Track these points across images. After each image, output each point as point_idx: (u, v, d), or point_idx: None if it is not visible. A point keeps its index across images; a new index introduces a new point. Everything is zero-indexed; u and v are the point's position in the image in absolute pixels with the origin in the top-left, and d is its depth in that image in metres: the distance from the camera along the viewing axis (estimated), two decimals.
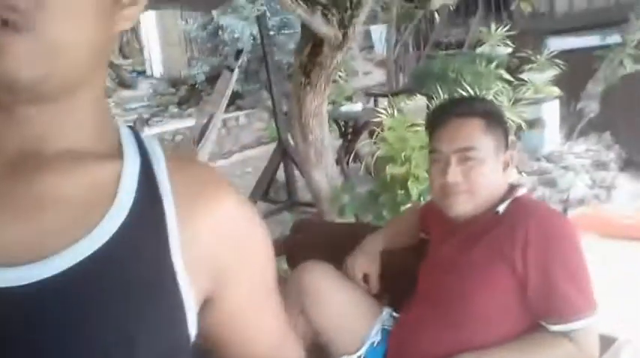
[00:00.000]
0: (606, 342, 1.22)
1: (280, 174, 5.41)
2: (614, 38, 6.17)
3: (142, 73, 10.74)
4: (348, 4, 2.73)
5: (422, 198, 3.65)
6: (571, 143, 6.30)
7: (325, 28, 2.67)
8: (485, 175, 1.33)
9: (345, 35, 2.76)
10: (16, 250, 0.51)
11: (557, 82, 6.15)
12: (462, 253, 1.33)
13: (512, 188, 1.39)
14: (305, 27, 2.89)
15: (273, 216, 5.22)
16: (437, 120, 1.41)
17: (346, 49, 2.95)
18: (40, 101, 0.53)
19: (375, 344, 1.46)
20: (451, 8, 8.10)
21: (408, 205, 3.57)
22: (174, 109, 8.85)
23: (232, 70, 4.24)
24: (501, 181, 1.37)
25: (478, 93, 5.33)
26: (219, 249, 0.61)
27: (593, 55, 6.08)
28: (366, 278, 1.58)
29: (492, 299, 1.26)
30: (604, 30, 6.54)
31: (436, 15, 8.88)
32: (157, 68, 10.32)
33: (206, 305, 0.63)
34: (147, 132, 7.99)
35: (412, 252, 1.60)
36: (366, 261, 1.60)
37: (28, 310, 0.50)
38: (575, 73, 6.20)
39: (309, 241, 2.18)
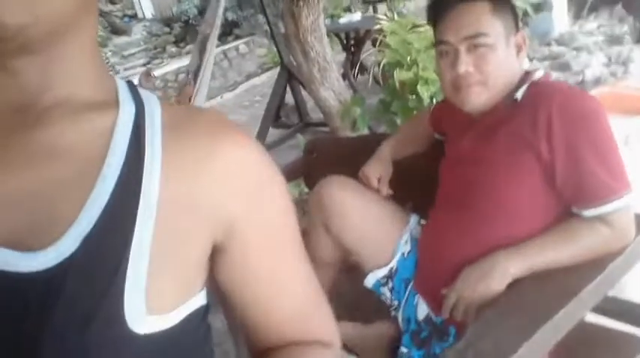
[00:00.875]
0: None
1: (289, 98, 5.33)
2: None
3: (134, 16, 10.48)
4: None
5: (434, 101, 3.58)
6: (581, 22, 6.06)
7: None
8: (498, 62, 1.24)
9: None
10: (26, 235, 0.51)
11: None
12: (483, 145, 1.26)
13: (529, 72, 1.30)
14: None
15: (287, 141, 5.19)
16: (439, 9, 1.31)
17: None
18: (29, 50, 0.52)
19: (405, 255, 1.43)
20: None
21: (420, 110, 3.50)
22: (172, 49, 8.68)
23: None
24: (516, 66, 1.29)
25: None
26: (223, 198, 0.58)
27: None
28: (380, 182, 1.54)
29: (520, 189, 1.20)
30: None
31: None
32: (147, 9, 10.05)
33: (219, 258, 0.61)
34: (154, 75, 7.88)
35: (431, 155, 1.55)
36: (378, 165, 1.56)
37: (50, 293, 0.49)
38: None
39: (323, 159, 2.14)
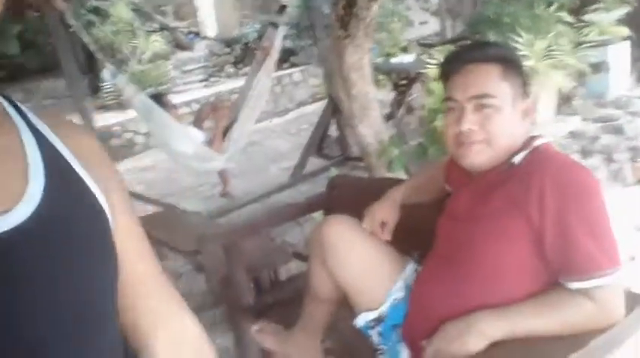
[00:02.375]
0: (636, 300, 1.15)
1: (335, 130, 5.41)
2: None
3: (198, 34, 10.86)
4: None
5: None
6: None
7: None
8: (502, 124, 1.25)
9: None
10: None
11: (627, 21, 5.75)
12: (477, 204, 1.27)
13: (532, 138, 1.30)
14: None
15: (326, 172, 5.25)
16: (451, 67, 1.33)
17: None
18: None
19: (396, 301, 1.43)
20: None
21: None
22: (230, 69, 8.94)
23: (276, 27, 4.19)
24: (520, 130, 1.29)
25: (535, 38, 5.08)
26: (98, 168, 0.70)
27: None
28: (383, 226, 1.55)
29: (508, 253, 1.20)
30: None
31: None
32: (211, 29, 10.40)
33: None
34: (205, 93, 8.13)
35: (440, 205, 1.56)
36: (385, 208, 1.57)
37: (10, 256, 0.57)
38: None
39: (344, 196, 2.18)
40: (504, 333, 1.13)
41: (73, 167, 0.66)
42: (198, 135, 4.30)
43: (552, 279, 1.18)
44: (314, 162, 5.35)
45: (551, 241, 1.15)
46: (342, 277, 1.47)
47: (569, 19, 5.60)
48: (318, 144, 5.27)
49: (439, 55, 5.16)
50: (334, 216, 1.56)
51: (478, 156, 1.28)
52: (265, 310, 2.06)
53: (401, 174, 3.68)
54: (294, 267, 2.81)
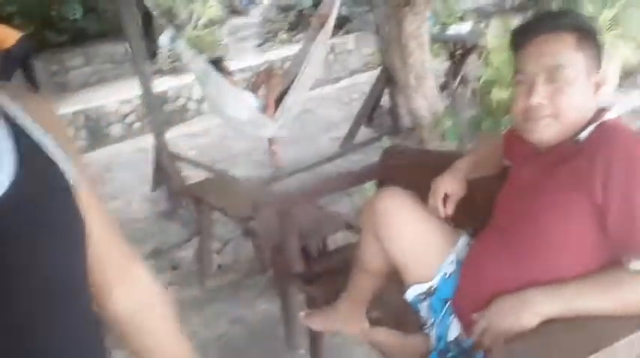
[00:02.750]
0: None
1: (387, 100, 5.35)
2: None
3: (253, 1, 10.85)
4: None
5: None
6: None
7: None
8: (573, 98, 1.20)
9: None
10: None
11: None
12: (541, 179, 1.23)
13: (600, 111, 1.25)
14: None
15: (376, 142, 5.21)
16: (522, 37, 1.27)
17: None
18: None
19: (447, 275, 1.42)
20: None
21: None
22: (283, 35, 8.90)
23: None
24: (590, 105, 1.24)
25: (602, 8, 4.85)
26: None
27: None
28: (446, 198, 1.53)
29: (568, 228, 1.17)
30: None
31: None
32: None
33: None
34: (259, 60, 8.14)
35: (497, 180, 1.53)
36: (450, 180, 1.54)
37: None
38: None
39: (398, 168, 2.16)
40: (559, 311, 1.11)
41: (44, 149, 0.70)
42: (252, 101, 4.32)
43: (612, 258, 1.15)
44: (365, 132, 5.31)
45: (615, 218, 1.11)
46: (394, 250, 1.46)
47: None
48: (369, 114, 5.22)
49: (498, 25, 5.00)
50: (388, 188, 1.55)
51: (546, 131, 1.24)
52: (314, 278, 2.09)
53: (454, 146, 3.62)
54: (341, 237, 2.83)
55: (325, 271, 2.12)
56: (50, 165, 0.70)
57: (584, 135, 1.21)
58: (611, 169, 1.11)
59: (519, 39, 1.29)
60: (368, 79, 7.78)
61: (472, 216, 1.53)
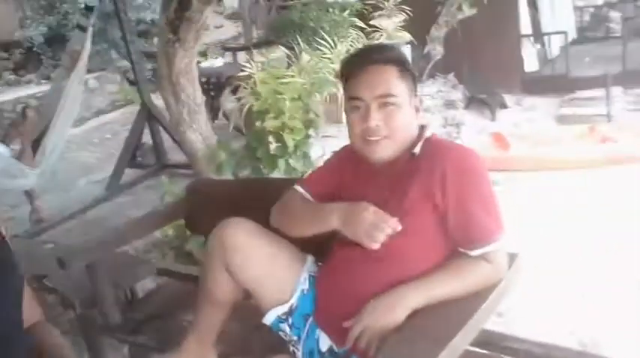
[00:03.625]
0: (512, 258, 1.40)
1: (146, 138, 5.21)
2: None
3: None
4: None
5: (297, 149, 3.75)
6: (421, 85, 6.73)
7: None
8: (402, 120, 1.41)
9: None
10: None
11: (406, 27, 6.47)
12: (385, 193, 1.41)
13: (422, 129, 1.49)
14: None
15: (144, 182, 5.05)
16: (353, 67, 1.46)
17: (214, 2, 2.89)
18: None
19: (305, 292, 1.51)
20: None
21: (284, 157, 3.65)
22: (9, 76, 8.04)
23: (84, 29, 3.94)
24: (415, 124, 1.48)
25: (336, 42, 5.46)
26: None
27: (435, 0, 6.47)
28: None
29: (416, 233, 1.36)
30: None
31: None
32: None
33: None
34: None
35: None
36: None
37: None
38: (420, 17, 6.57)
39: (208, 201, 2.16)
40: (424, 301, 1.29)
41: None
42: (3, 150, 3.85)
43: (452, 249, 1.37)
44: (128, 173, 5.10)
45: (453, 218, 1.35)
46: (247, 277, 1.50)
47: (360, 24, 6.13)
48: (132, 153, 5.05)
49: (248, 58, 5.29)
50: (232, 218, 1.57)
51: (385, 151, 1.42)
52: (137, 327, 1.98)
53: (231, 177, 3.70)
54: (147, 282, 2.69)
55: (148, 317, 2.02)
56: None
57: (417, 149, 1.43)
58: (447, 176, 1.34)
59: (351, 68, 1.46)
60: (117, 117, 7.49)
61: (313, 238, 1.60)
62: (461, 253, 1.35)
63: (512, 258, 1.39)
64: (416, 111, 1.48)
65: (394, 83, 1.42)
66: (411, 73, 1.47)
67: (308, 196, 1.60)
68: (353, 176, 1.54)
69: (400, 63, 1.44)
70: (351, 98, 1.45)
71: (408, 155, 1.44)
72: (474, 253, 1.33)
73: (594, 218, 3.60)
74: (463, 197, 1.34)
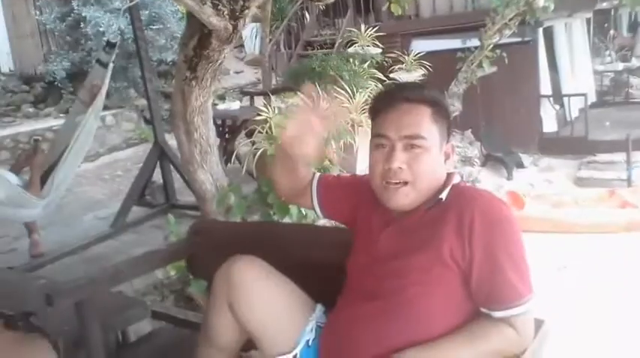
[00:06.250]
0: (538, 324, 1.26)
1: (156, 176, 5.15)
2: (473, 42, 6.61)
3: None
4: None
5: None
6: None
7: (215, 20, 2.55)
8: (428, 165, 1.30)
9: (235, 27, 2.66)
10: None
11: (424, 82, 6.46)
12: (402, 243, 1.29)
13: (449, 176, 1.37)
14: (192, 18, 2.74)
15: (150, 220, 4.96)
16: (383, 104, 1.35)
17: (235, 42, 2.85)
18: None
19: (309, 343, 1.38)
20: (321, 7, 8.26)
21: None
22: (29, 109, 8.10)
23: (105, 65, 3.94)
24: (442, 172, 1.35)
25: (355, 92, 5.43)
26: None
27: (456, 57, 6.48)
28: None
29: (435, 290, 1.23)
30: (465, 33, 6.99)
31: (307, 14, 9.00)
32: (4, 63, 9.37)
33: None
34: None
35: (338, 250, 1.54)
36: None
37: None
38: (440, 73, 6.57)
39: (211, 243, 2.06)
40: None
41: None
42: (13, 179, 3.79)
43: (474, 309, 1.23)
44: (135, 211, 5.02)
45: (478, 273, 1.21)
46: (252, 321, 1.37)
47: (380, 76, 6.13)
48: (141, 191, 4.97)
49: (265, 103, 5.26)
50: (239, 257, 1.46)
51: (403, 199, 1.31)
52: None
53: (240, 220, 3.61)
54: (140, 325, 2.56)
55: None
56: None
57: (444, 195, 1.31)
58: (474, 226, 1.21)
59: (381, 104, 1.36)
60: (130, 155, 7.47)
61: (323, 287, 1.50)
62: (482, 314, 1.21)
63: (537, 324, 1.25)
64: (446, 158, 1.36)
65: (425, 125, 1.31)
66: (447, 117, 1.36)
67: (314, 192, 1.55)
68: (369, 211, 1.42)
69: (435, 104, 1.34)
70: (376, 135, 1.35)
71: (430, 203, 1.32)
72: (496, 314, 1.19)
73: (617, 285, 3.44)
74: (491, 249, 1.20)
